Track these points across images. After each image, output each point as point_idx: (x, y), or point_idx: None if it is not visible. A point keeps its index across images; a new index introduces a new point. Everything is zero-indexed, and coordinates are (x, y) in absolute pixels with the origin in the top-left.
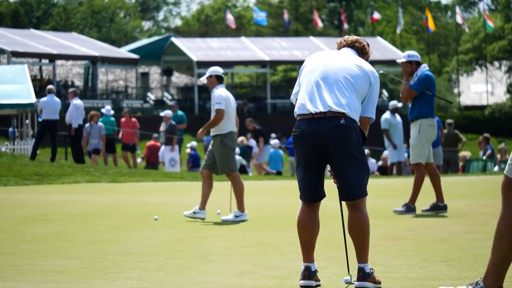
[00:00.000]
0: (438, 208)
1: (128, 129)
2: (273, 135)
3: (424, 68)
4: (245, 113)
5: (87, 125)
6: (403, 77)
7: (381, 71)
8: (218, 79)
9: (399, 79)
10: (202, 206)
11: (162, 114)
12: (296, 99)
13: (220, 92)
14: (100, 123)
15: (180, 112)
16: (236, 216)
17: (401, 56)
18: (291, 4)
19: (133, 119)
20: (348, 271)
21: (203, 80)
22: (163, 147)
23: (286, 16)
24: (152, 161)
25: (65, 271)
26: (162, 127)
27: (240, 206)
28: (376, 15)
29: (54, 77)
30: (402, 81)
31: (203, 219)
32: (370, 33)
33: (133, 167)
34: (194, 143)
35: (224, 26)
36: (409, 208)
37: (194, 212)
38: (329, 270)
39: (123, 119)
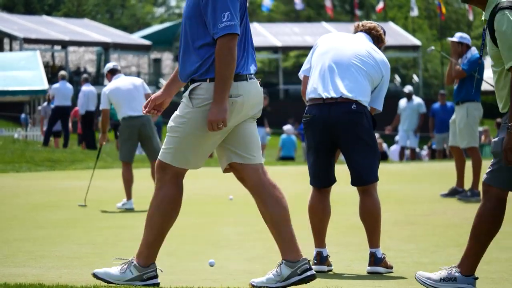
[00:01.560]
0: (457, 193)
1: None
2: (289, 120)
3: (474, 51)
4: None
5: (45, 104)
6: (452, 56)
7: (432, 47)
8: (111, 73)
9: (452, 58)
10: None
11: None
12: (304, 76)
13: (104, 89)
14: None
15: None
16: (123, 204)
17: (412, 41)
18: None
19: None
20: None
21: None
22: None
23: (298, 0)
24: None
25: (77, 257)
26: None
27: (128, 195)
28: (381, 4)
29: (66, 64)
30: (452, 59)
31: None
32: (382, 18)
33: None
34: None
35: None
36: (474, 193)
37: (123, 204)
38: (341, 256)
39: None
